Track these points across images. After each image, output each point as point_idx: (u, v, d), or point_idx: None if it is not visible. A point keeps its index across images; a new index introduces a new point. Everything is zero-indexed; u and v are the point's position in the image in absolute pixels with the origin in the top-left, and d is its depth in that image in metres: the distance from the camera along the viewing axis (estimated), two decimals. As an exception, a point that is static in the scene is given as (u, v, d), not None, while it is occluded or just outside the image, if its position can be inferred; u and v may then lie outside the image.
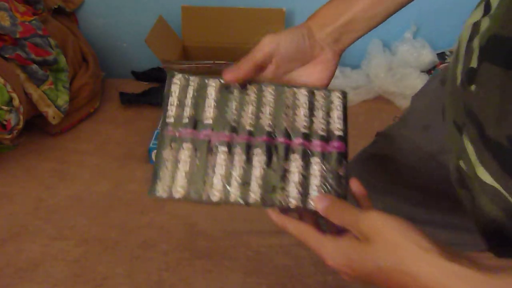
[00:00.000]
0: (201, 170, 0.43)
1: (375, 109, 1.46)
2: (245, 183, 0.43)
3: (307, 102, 0.47)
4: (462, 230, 0.60)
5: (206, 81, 0.47)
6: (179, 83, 0.47)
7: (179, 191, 0.43)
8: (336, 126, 0.46)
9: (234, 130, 0.45)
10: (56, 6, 1.45)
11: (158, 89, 1.55)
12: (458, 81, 0.45)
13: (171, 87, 0.47)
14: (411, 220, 0.53)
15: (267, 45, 0.46)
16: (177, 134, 0.45)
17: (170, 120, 0.46)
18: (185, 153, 0.44)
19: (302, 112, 0.46)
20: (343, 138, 0.46)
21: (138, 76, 1.67)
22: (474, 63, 0.41)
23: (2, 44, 1.16)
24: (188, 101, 0.46)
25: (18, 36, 1.19)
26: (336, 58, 0.49)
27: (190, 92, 0.47)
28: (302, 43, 0.47)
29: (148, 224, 1.04)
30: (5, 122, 1.12)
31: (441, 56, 1.56)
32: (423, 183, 0.60)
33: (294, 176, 0.43)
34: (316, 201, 0.41)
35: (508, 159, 0.37)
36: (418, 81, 1.46)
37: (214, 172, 0.43)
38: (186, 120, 0.45)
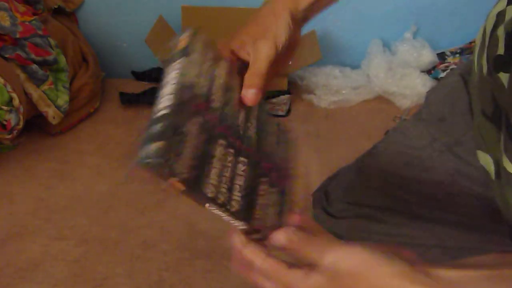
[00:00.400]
0: (204, 156, 0.36)
1: (375, 109, 1.46)
2: (230, 189, 0.38)
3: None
4: (469, 229, 0.60)
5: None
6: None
7: (183, 171, 0.33)
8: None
9: (229, 129, 0.41)
10: (56, 6, 1.46)
11: (158, 89, 1.55)
12: (485, 70, 0.45)
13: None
14: (416, 219, 0.53)
15: (271, 53, 0.45)
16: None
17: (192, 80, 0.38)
18: (194, 128, 0.36)
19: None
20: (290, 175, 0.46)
21: (138, 76, 1.67)
22: (501, 51, 0.42)
23: (2, 44, 1.16)
24: (203, 74, 0.40)
25: (18, 36, 1.18)
26: (299, 34, 0.50)
27: (205, 67, 0.42)
28: (293, 36, 0.47)
29: (148, 224, 1.04)
30: (5, 122, 1.12)
31: (441, 56, 1.56)
32: (436, 176, 0.60)
33: (271, 197, 0.41)
34: (280, 233, 0.39)
35: None
36: (418, 81, 1.46)
37: (211, 163, 0.37)
38: (203, 91, 0.39)
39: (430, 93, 0.66)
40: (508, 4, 0.43)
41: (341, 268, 0.35)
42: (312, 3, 0.48)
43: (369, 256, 0.34)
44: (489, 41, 0.45)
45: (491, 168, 0.49)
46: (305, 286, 0.36)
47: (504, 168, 0.41)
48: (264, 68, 0.45)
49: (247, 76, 0.45)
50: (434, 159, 0.60)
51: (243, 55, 0.47)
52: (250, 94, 0.44)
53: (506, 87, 0.40)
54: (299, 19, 0.48)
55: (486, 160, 0.51)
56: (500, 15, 0.44)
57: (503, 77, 0.41)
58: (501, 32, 0.42)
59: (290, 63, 0.51)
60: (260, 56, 0.45)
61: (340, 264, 0.35)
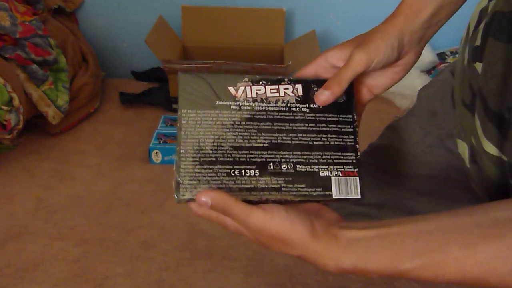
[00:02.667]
0: None
1: (375, 109, 1.46)
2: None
3: None
4: None
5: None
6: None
7: None
8: None
9: None
10: (56, 6, 1.46)
11: (158, 89, 1.55)
12: (466, 61, 0.48)
13: None
14: (412, 214, 0.56)
15: (360, 65, 0.45)
16: None
17: None
18: None
19: None
20: None
21: (138, 76, 1.67)
22: (478, 42, 0.44)
23: (2, 44, 1.16)
24: None
25: (18, 36, 1.19)
26: (416, 58, 0.49)
27: None
28: (392, 57, 0.46)
29: (148, 224, 1.04)
30: (5, 122, 1.12)
31: (441, 56, 1.57)
32: (429, 171, 0.61)
33: None
34: (204, 194, 0.41)
35: (509, 129, 0.39)
36: (418, 81, 1.46)
37: None
38: None
39: (422, 90, 0.68)
40: (490, 0, 0.45)
41: (262, 233, 0.39)
42: (428, 19, 0.46)
43: (285, 223, 0.38)
44: (472, 35, 0.47)
45: (466, 154, 0.51)
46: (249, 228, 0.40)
47: (484, 151, 0.43)
48: (347, 76, 0.45)
49: (329, 79, 0.46)
50: (426, 155, 0.61)
51: (335, 61, 0.47)
52: (321, 94, 0.45)
53: (482, 74, 0.42)
54: (414, 40, 0.47)
55: (463, 147, 0.52)
56: (483, 11, 0.46)
57: (478, 66, 0.43)
58: (482, 25, 0.44)
59: (390, 86, 0.49)
60: (348, 64, 0.45)
61: (260, 230, 0.39)
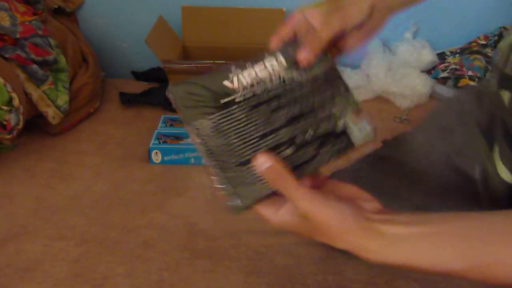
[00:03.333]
0: None
1: (375, 109, 1.47)
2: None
3: None
4: None
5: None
6: None
7: None
8: None
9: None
10: (56, 6, 1.46)
11: (158, 89, 1.55)
12: (492, 86, 0.48)
13: None
14: None
15: (336, 26, 0.48)
16: None
17: None
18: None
19: None
20: None
21: (138, 76, 1.67)
22: (509, 70, 0.45)
23: (2, 44, 1.16)
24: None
25: (18, 36, 1.19)
26: (382, 24, 0.52)
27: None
28: (368, 21, 0.50)
29: (148, 224, 1.04)
30: (5, 122, 1.12)
31: (441, 56, 1.56)
32: (432, 187, 0.61)
33: None
34: (259, 157, 0.40)
35: None
36: (418, 81, 1.46)
37: None
38: None
39: (440, 102, 0.68)
40: None
41: (310, 219, 0.39)
42: None
43: (334, 216, 0.38)
44: (503, 63, 0.48)
45: (477, 175, 0.51)
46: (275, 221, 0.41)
47: (497, 174, 0.44)
48: (325, 35, 0.48)
49: (307, 39, 0.48)
50: (431, 170, 0.61)
51: (313, 21, 0.50)
52: (303, 53, 0.47)
53: (507, 102, 0.44)
54: (383, 8, 0.51)
55: (474, 167, 0.52)
56: None
57: (504, 94, 0.44)
58: None
59: (359, 46, 0.53)
60: (326, 24, 0.48)
61: (309, 216, 0.39)
